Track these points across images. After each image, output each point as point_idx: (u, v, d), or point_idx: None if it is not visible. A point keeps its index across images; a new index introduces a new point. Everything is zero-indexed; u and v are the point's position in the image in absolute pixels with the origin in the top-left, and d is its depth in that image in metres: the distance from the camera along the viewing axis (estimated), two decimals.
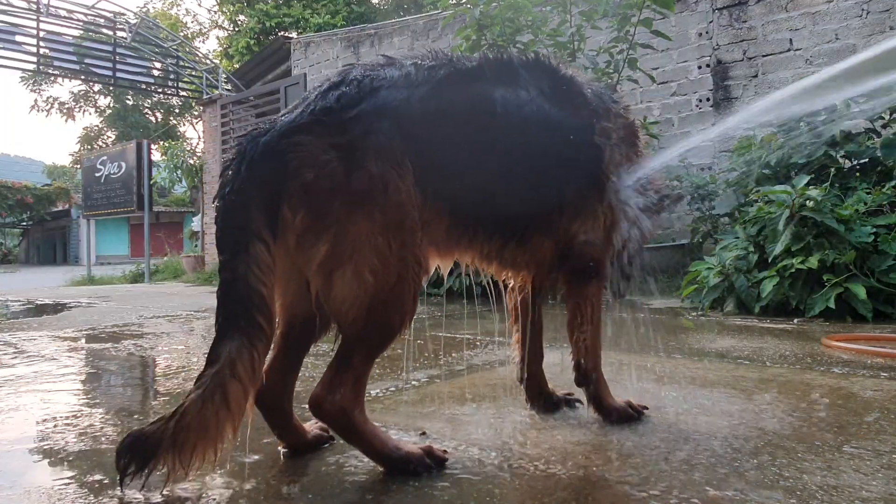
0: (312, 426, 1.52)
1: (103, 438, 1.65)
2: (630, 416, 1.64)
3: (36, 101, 33.26)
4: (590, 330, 1.64)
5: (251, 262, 1.19)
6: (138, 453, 1.13)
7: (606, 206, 1.58)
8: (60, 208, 34.87)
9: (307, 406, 1.31)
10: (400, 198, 1.26)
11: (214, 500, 1.23)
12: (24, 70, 17.03)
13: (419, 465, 1.30)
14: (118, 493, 1.25)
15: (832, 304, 3.43)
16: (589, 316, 1.64)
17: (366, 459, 1.36)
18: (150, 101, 34.42)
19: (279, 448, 1.48)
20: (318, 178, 1.22)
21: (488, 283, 1.77)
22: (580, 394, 1.73)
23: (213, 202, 1.28)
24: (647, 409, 1.72)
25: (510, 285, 1.76)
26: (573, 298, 1.64)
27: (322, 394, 1.27)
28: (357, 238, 1.23)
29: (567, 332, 1.67)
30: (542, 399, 1.78)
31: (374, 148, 1.25)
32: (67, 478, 1.37)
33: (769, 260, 3.82)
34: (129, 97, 33.80)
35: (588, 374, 1.64)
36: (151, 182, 12.26)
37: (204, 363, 1.21)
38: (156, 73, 14.58)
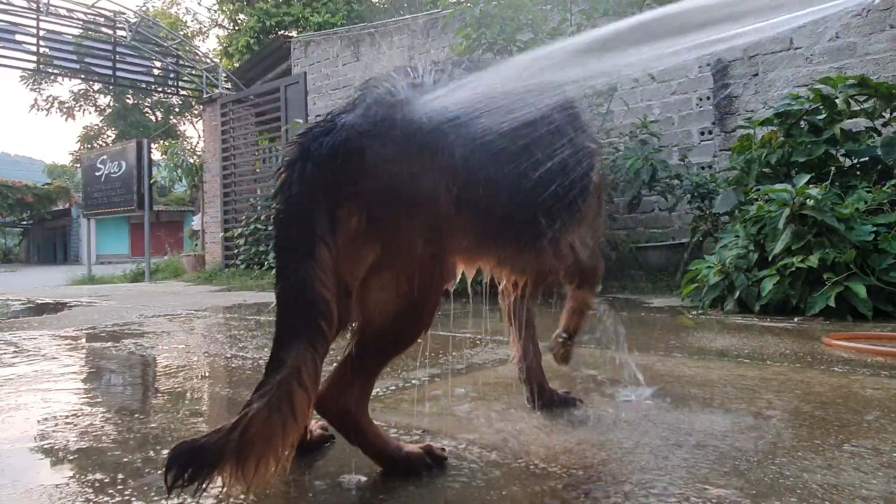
0: (314, 425, 1.52)
1: (104, 437, 1.65)
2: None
3: (36, 100, 33.27)
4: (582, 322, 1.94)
5: (316, 266, 1.18)
6: (194, 464, 1.07)
7: (591, 219, 1.75)
8: (61, 207, 34.91)
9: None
10: (444, 210, 1.29)
11: (214, 499, 1.23)
12: (24, 69, 17.02)
13: (420, 464, 1.31)
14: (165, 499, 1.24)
15: (832, 303, 3.43)
16: (585, 312, 1.92)
17: (367, 459, 1.36)
18: (150, 100, 34.42)
19: None
20: (379, 184, 1.23)
21: (486, 283, 1.80)
22: (575, 393, 1.73)
23: (274, 201, 1.26)
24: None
25: (502, 287, 1.80)
26: (572, 297, 1.88)
27: (329, 392, 1.27)
28: (405, 245, 1.25)
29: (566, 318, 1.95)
30: (543, 397, 1.79)
31: (430, 160, 1.28)
32: (68, 477, 1.37)
33: (769, 259, 3.82)
34: (129, 96, 33.80)
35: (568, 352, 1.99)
36: (151, 181, 12.26)
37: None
38: (156, 72, 14.59)
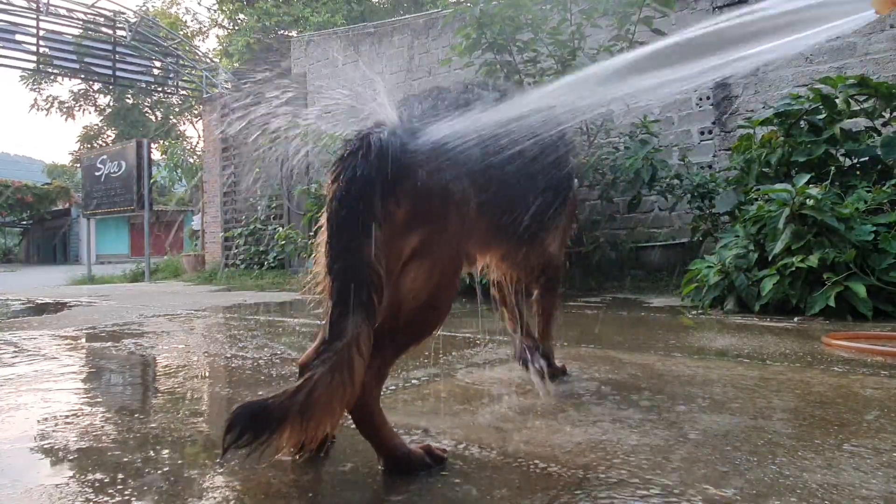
0: None
1: (104, 437, 1.65)
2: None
3: (36, 100, 33.24)
4: (554, 315, 2.18)
5: (374, 245, 1.27)
6: (257, 425, 1.13)
7: (563, 224, 2.04)
8: (60, 207, 34.88)
9: None
10: (470, 208, 1.47)
11: (214, 499, 1.23)
12: (23, 69, 16.98)
13: (419, 464, 1.33)
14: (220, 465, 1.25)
15: (832, 303, 3.43)
16: (556, 307, 2.19)
17: (366, 459, 1.36)
18: (149, 99, 34.41)
19: None
20: (427, 181, 1.36)
21: (489, 282, 2.09)
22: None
23: (335, 181, 1.33)
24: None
25: (493, 279, 2.09)
26: (544, 293, 2.13)
27: None
28: (440, 237, 1.40)
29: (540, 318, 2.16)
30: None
31: (464, 166, 1.43)
32: (68, 476, 1.37)
33: (769, 258, 3.81)
34: (129, 96, 33.78)
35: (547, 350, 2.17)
36: (151, 181, 12.25)
37: (324, 336, 1.24)
38: (156, 71, 14.58)
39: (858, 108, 4.46)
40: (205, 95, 12.74)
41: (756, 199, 4.21)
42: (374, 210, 1.28)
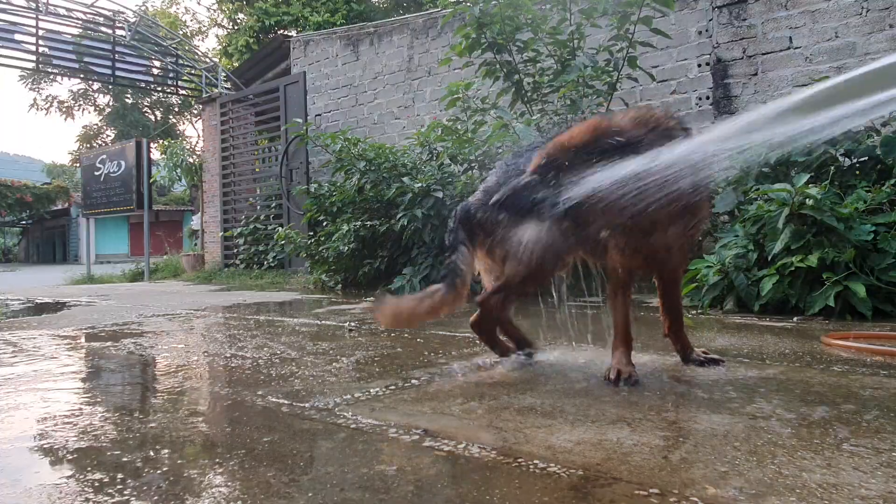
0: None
1: (103, 437, 1.65)
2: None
3: (35, 99, 33.31)
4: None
5: (460, 253, 2.31)
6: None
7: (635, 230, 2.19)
8: (60, 207, 34.91)
9: None
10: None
11: (214, 498, 1.23)
12: (23, 68, 17.01)
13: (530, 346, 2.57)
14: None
15: (832, 303, 3.43)
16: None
17: (365, 459, 1.36)
18: (149, 99, 34.42)
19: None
20: (482, 218, 2.31)
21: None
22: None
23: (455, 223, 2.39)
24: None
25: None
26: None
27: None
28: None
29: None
30: (685, 354, 2.45)
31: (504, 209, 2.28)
32: (67, 475, 1.37)
33: (769, 258, 3.82)
34: (129, 96, 33.81)
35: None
36: (151, 181, 12.24)
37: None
38: (155, 71, 14.58)
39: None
40: (204, 95, 12.74)
41: (755, 199, 4.21)
42: (460, 237, 2.34)
